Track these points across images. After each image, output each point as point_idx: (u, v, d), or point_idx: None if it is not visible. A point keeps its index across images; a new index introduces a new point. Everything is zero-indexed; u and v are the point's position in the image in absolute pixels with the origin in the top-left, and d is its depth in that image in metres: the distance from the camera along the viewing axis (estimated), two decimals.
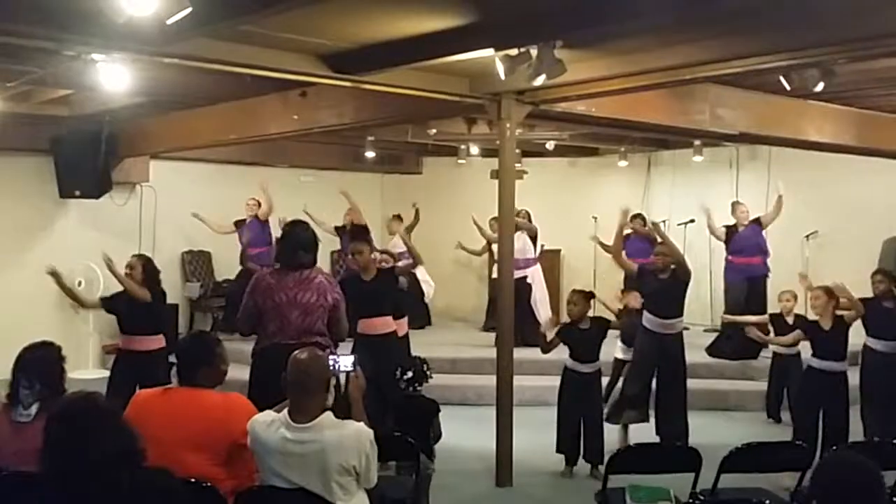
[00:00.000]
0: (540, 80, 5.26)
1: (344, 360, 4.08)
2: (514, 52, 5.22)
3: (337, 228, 11.13)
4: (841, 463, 2.82)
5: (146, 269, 6.91)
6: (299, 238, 5.46)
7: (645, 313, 7.37)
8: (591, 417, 6.78)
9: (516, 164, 7.15)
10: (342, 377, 4.07)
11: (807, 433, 6.35)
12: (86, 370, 9.58)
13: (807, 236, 10.78)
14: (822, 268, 10.48)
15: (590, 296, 7.00)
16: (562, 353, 6.94)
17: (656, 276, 7.31)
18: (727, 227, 10.08)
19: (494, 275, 10.90)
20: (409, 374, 6.41)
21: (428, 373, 6.82)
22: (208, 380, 3.91)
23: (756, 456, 4.75)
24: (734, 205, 10.14)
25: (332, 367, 3.86)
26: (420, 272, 11.40)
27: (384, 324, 6.95)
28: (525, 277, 10.41)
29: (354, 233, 9.99)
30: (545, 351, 6.87)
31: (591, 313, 7.00)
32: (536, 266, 10.67)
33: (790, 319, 7.58)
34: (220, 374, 3.98)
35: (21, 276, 9.89)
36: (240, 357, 5.26)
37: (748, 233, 9.91)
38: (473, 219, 11.14)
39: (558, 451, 6.85)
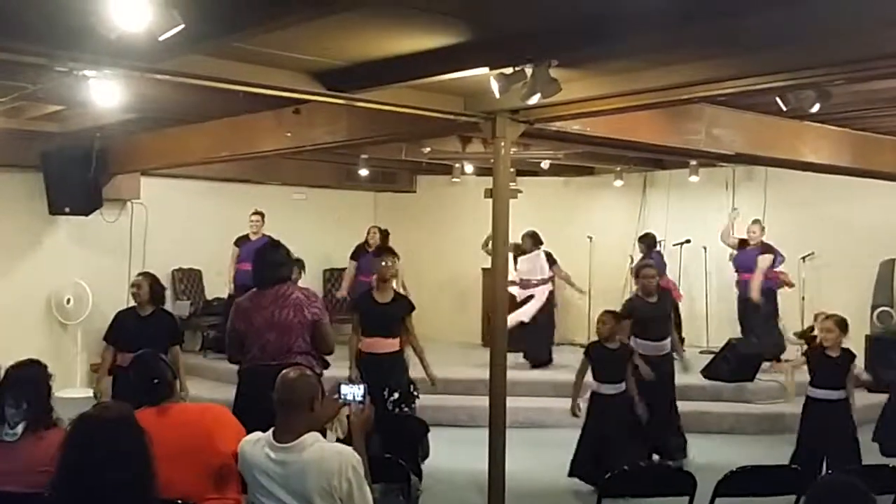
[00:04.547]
0: (535, 99, 5.23)
1: (354, 391, 3.81)
2: (508, 70, 5.18)
3: (358, 247, 10.96)
4: (833, 486, 2.77)
5: (153, 288, 6.75)
6: (270, 256, 5.55)
7: (634, 339, 7.27)
8: (613, 440, 6.59)
9: (511, 183, 7.09)
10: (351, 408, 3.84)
11: (809, 462, 6.19)
12: (73, 389, 9.49)
13: (803, 258, 10.74)
14: (818, 289, 10.49)
15: (620, 316, 6.94)
16: (563, 374, 6.86)
17: (644, 300, 7.30)
18: (740, 239, 10.19)
19: None
20: (396, 395, 6.32)
21: (415, 393, 6.73)
22: (170, 397, 4.02)
23: (752, 479, 4.69)
24: (754, 223, 10.23)
25: (341, 398, 3.78)
26: None
27: (391, 343, 6.77)
28: (532, 297, 10.30)
29: (382, 248, 9.09)
30: (574, 414, 6.81)
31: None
32: (545, 286, 10.46)
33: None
34: (173, 385, 4.13)
35: (9, 294, 9.82)
36: (230, 377, 5.22)
37: (752, 251, 10.05)
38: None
39: (571, 474, 6.71)
